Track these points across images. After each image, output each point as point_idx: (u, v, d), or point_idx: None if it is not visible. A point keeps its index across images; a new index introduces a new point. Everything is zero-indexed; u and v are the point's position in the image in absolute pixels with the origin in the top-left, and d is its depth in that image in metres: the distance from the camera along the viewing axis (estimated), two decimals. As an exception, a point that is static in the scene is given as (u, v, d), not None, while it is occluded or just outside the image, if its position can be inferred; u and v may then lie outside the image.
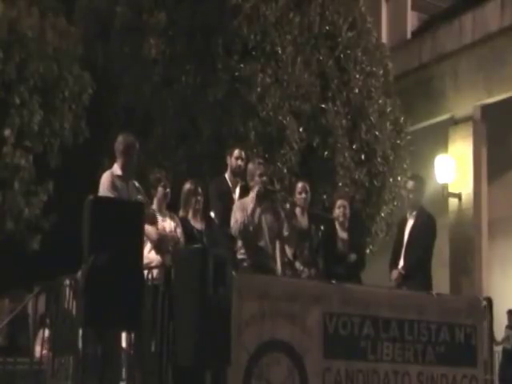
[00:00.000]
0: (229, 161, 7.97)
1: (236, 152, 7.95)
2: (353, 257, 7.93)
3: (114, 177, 6.81)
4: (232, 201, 7.62)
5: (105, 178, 6.79)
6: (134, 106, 11.89)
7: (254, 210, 7.14)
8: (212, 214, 7.56)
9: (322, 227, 8.03)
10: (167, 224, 7.18)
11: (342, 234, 8.01)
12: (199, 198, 7.45)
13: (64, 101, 11.27)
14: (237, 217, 7.15)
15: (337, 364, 6.45)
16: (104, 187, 6.72)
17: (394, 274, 7.69)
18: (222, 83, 11.55)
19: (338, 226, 8.02)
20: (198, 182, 7.60)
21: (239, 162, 7.90)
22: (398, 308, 6.88)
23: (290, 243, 7.59)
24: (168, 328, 5.80)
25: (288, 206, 7.94)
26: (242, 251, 7.17)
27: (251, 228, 7.13)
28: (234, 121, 11.45)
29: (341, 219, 8.00)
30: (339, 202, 8.10)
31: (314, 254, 7.85)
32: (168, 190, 7.27)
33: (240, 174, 7.89)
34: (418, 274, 7.57)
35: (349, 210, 8.11)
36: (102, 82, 11.73)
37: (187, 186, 7.51)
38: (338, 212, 8.03)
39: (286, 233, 7.41)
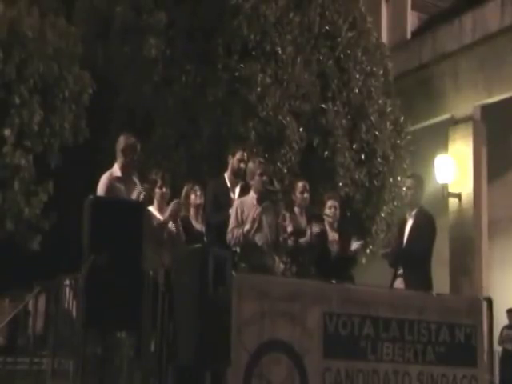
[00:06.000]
0: (230, 161, 7.92)
1: (239, 154, 7.87)
2: (355, 245, 7.96)
3: (112, 179, 6.80)
4: (230, 201, 7.59)
5: (102, 180, 6.79)
6: (134, 106, 11.89)
7: (251, 229, 7.08)
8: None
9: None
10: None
11: (332, 235, 8.02)
12: (198, 193, 7.49)
13: (64, 101, 11.25)
14: (233, 229, 7.07)
15: (337, 364, 6.44)
16: (100, 189, 6.73)
17: (397, 283, 7.66)
18: (222, 83, 11.55)
19: (327, 227, 8.02)
20: (196, 182, 7.67)
21: (242, 164, 7.84)
22: (398, 308, 6.88)
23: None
24: (168, 328, 5.80)
25: (287, 213, 7.86)
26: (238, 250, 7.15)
27: (250, 237, 7.09)
28: (233, 121, 11.45)
29: (330, 220, 8.01)
30: (330, 203, 8.10)
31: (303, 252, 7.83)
32: (165, 189, 7.29)
33: (241, 176, 7.86)
34: (418, 274, 7.56)
35: (339, 210, 8.13)
36: (102, 82, 11.72)
37: (186, 186, 7.60)
38: (328, 212, 8.04)
39: (287, 229, 7.40)
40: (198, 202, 7.57)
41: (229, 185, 7.81)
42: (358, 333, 6.58)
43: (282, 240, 7.34)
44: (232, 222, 7.12)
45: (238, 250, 7.09)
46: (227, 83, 11.57)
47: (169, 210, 7.12)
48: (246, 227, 7.03)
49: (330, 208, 8.06)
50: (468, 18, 16.56)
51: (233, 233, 7.05)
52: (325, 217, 8.02)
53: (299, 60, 12.19)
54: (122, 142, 6.97)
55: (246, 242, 7.05)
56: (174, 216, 7.13)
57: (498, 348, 13.71)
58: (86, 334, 6.19)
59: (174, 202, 7.18)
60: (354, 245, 8.01)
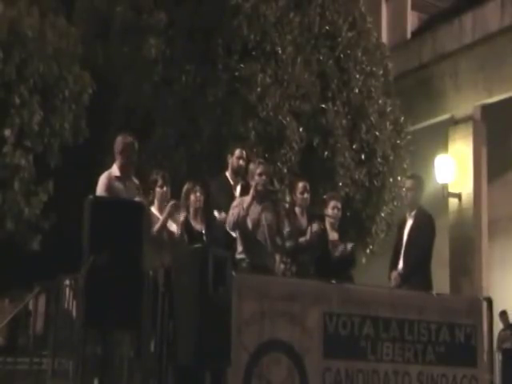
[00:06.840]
0: (230, 160, 7.98)
1: (237, 152, 7.95)
2: (349, 246, 7.97)
3: (111, 178, 6.81)
4: (233, 198, 7.64)
5: (101, 180, 6.80)
6: (134, 106, 11.89)
7: (250, 205, 7.14)
8: (215, 213, 7.55)
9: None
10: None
11: (332, 235, 8.02)
12: (198, 194, 7.49)
13: (64, 101, 11.25)
14: (233, 211, 7.17)
15: (337, 364, 6.44)
16: (100, 189, 6.73)
17: (394, 274, 7.69)
18: (222, 83, 11.55)
19: (328, 226, 8.01)
20: (196, 182, 7.67)
21: (241, 162, 7.91)
22: (398, 308, 6.88)
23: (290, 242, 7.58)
24: (168, 328, 5.80)
25: (287, 205, 7.93)
26: (241, 249, 7.16)
27: (248, 223, 7.13)
28: (234, 121, 11.45)
29: (332, 220, 8.01)
30: (333, 203, 8.07)
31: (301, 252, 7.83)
32: (165, 188, 7.31)
33: (241, 173, 7.90)
34: (418, 274, 7.56)
35: (341, 210, 8.13)
36: (102, 82, 11.72)
37: (185, 186, 7.60)
38: (331, 213, 8.03)
39: (286, 229, 7.41)
40: (198, 202, 7.56)
41: (231, 182, 7.86)
42: (357, 333, 6.58)
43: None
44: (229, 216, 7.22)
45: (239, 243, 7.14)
46: (227, 83, 11.57)
47: (166, 211, 7.13)
48: (246, 203, 7.11)
49: (333, 209, 8.02)
50: (468, 17, 16.56)
51: (233, 214, 7.14)
52: (327, 217, 8.01)
53: (299, 60, 12.18)
54: (119, 141, 6.98)
55: (242, 233, 7.09)
56: (170, 217, 7.16)
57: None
58: (86, 333, 6.20)
59: (170, 203, 7.18)
60: (348, 246, 8.01)
